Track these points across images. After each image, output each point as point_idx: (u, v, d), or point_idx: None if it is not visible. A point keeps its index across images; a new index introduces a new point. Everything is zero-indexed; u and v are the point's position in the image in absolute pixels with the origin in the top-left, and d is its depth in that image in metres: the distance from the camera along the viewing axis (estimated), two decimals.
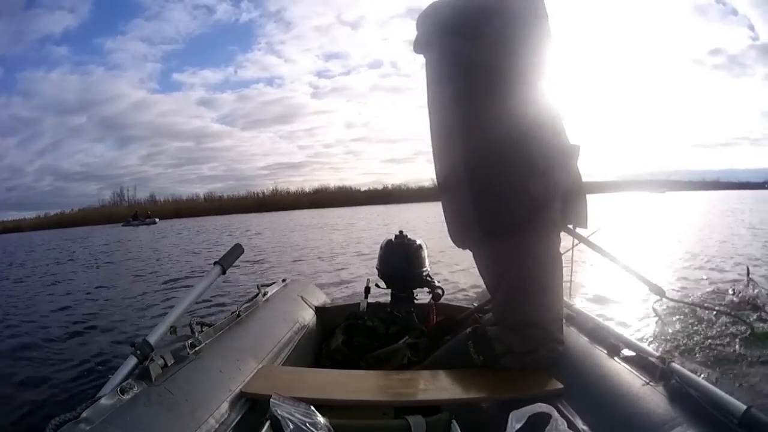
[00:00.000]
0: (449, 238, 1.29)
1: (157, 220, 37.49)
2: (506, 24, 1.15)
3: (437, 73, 1.26)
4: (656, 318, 2.92)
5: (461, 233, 1.25)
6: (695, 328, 2.39)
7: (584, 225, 1.26)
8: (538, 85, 1.18)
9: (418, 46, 1.31)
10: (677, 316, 2.51)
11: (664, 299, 1.34)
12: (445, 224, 1.29)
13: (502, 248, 1.18)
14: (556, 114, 1.21)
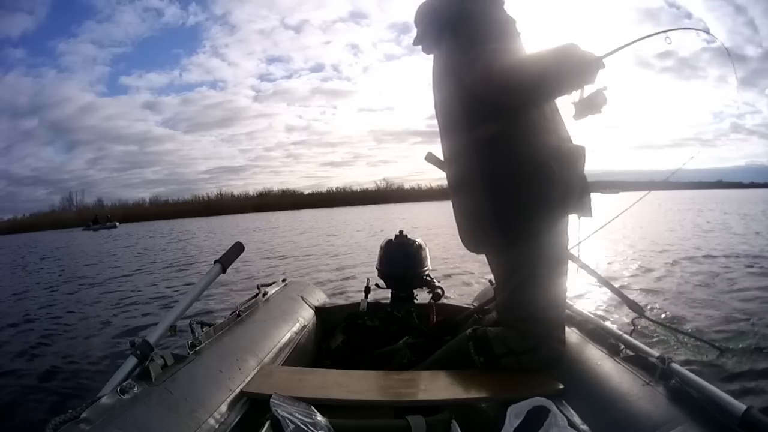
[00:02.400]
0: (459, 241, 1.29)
1: (117, 224, 37.34)
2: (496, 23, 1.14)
3: (446, 67, 1.24)
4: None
5: (477, 238, 1.25)
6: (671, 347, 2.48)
7: (589, 214, 1.26)
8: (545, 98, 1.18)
9: (419, 40, 1.31)
10: (656, 336, 2.56)
11: (642, 318, 1.36)
12: (451, 226, 1.29)
13: (518, 249, 1.18)
14: (561, 116, 1.22)
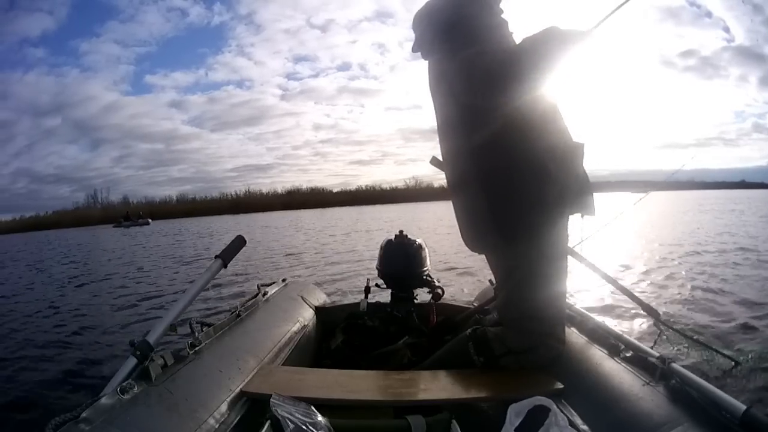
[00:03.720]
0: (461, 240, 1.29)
1: (149, 220, 36.82)
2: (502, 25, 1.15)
3: (439, 73, 1.26)
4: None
5: (477, 238, 1.25)
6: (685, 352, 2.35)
7: (592, 213, 1.26)
8: (539, 84, 1.18)
9: (417, 46, 1.31)
10: (676, 346, 2.45)
11: (660, 324, 1.33)
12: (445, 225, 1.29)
13: (517, 248, 1.19)
14: (558, 113, 1.22)
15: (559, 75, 1.12)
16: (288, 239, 13.36)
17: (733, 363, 2.28)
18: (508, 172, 1.15)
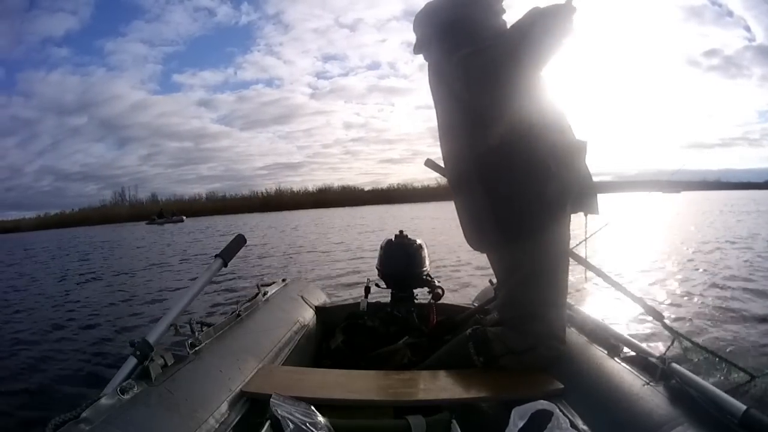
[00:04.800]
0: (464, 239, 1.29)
1: (184, 218, 36.42)
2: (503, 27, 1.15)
3: (438, 74, 1.26)
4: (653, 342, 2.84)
5: (479, 237, 1.25)
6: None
7: (596, 212, 1.26)
8: (540, 83, 1.18)
9: (418, 47, 1.31)
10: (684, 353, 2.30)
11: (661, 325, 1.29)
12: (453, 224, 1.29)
13: (518, 247, 1.19)
14: (560, 111, 1.21)
15: (554, 56, 1.12)
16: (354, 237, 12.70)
17: (748, 377, 2.18)
18: (509, 171, 1.15)
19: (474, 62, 1.10)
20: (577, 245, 1.45)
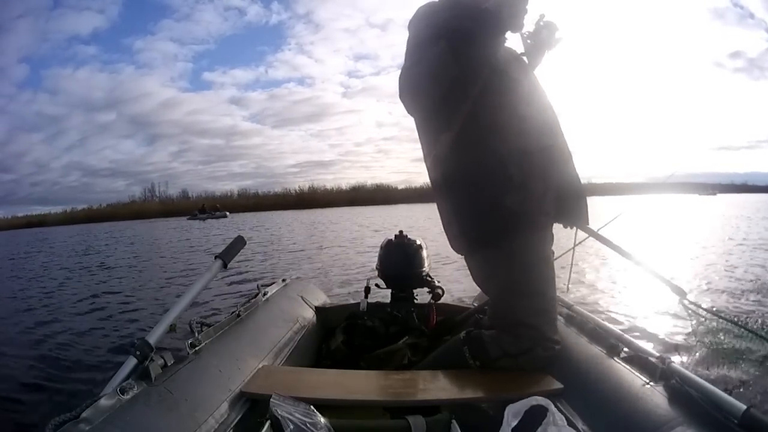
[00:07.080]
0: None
1: (227, 213, 35.59)
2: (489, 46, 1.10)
3: (412, 79, 1.22)
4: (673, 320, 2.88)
5: (452, 243, 1.26)
6: (718, 340, 2.10)
7: (584, 221, 1.25)
8: (511, 86, 1.15)
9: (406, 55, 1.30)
10: (704, 328, 2.23)
11: (685, 302, 1.29)
12: None
13: (488, 255, 1.18)
14: (544, 121, 1.19)
15: (510, 23, 1.05)
16: None
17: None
18: (468, 174, 1.13)
19: (436, 57, 1.07)
20: (565, 253, 1.44)
